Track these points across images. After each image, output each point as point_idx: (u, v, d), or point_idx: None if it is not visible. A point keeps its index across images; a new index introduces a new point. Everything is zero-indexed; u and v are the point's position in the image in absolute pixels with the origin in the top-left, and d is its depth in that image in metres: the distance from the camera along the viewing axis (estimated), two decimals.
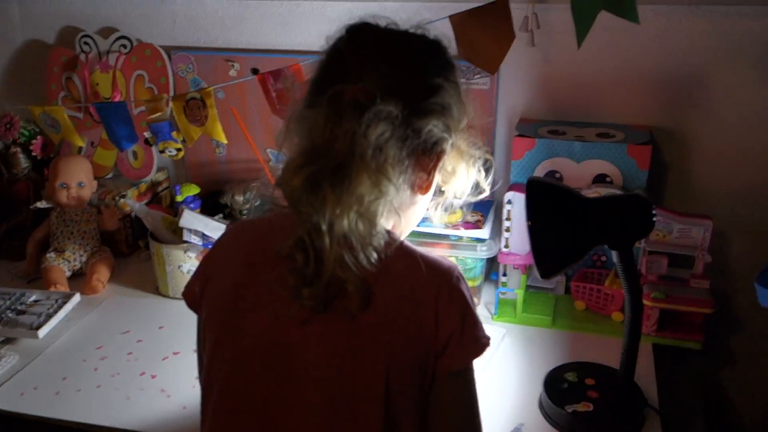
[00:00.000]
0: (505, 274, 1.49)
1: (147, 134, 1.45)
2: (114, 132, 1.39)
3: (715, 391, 1.67)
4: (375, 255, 0.80)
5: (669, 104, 1.52)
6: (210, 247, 1.00)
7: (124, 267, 1.68)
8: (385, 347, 0.82)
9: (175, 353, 1.35)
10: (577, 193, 1.12)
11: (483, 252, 1.46)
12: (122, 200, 1.67)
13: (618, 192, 1.42)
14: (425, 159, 0.88)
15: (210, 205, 1.75)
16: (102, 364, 1.32)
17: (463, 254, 1.46)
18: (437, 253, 1.37)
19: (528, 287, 1.49)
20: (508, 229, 1.48)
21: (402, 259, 0.84)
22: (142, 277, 1.63)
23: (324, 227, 0.77)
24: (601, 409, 1.15)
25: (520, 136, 1.48)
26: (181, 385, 1.25)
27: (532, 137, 1.47)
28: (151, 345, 1.38)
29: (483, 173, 1.01)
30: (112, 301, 1.54)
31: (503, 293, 1.47)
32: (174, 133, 1.41)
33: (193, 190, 1.72)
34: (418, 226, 1.33)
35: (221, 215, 1.75)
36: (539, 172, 1.49)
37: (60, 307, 1.44)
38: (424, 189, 0.93)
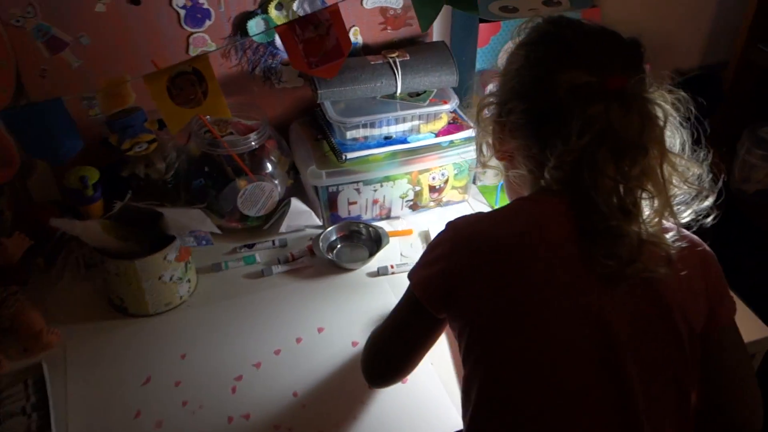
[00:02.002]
0: None
1: (107, 133, 1.01)
2: (44, 141, 0.93)
3: None
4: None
5: None
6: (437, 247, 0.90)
7: (39, 299, 1.26)
8: (683, 312, 0.83)
9: (256, 364, 1.13)
10: None
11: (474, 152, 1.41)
12: None
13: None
14: None
15: (113, 186, 1.36)
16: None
17: (454, 159, 1.40)
18: (432, 164, 1.41)
19: None
20: None
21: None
22: (83, 303, 1.26)
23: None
24: None
25: (483, 21, 1.39)
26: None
27: (496, 21, 1.40)
28: (202, 372, 1.13)
29: None
30: (82, 347, 1.18)
31: None
32: (147, 123, 1.02)
33: (93, 174, 1.31)
34: (406, 142, 1.37)
35: (129, 194, 1.37)
36: (504, 53, 1.44)
37: (39, 395, 1.07)
38: None
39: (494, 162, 1.01)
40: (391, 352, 0.99)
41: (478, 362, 0.84)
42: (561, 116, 0.82)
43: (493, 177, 1.56)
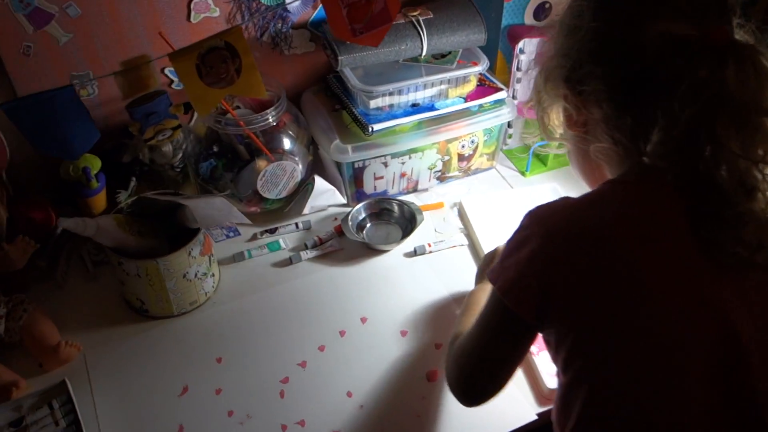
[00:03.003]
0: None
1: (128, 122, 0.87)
2: (54, 134, 0.78)
3: None
4: None
5: None
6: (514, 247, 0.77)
7: (46, 307, 1.13)
8: None
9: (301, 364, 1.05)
10: None
11: (507, 114, 1.32)
12: None
13: None
14: None
15: (114, 174, 1.23)
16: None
17: (486, 125, 1.30)
18: (462, 131, 1.31)
19: None
20: (519, 80, 1.35)
21: None
22: (96, 306, 1.15)
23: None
24: None
25: None
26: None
27: None
28: (243, 376, 1.03)
29: None
30: (104, 358, 1.07)
31: (542, 148, 1.38)
32: (172, 108, 0.88)
33: (95, 163, 1.17)
34: (434, 109, 1.27)
35: (134, 181, 1.25)
36: (532, 5, 1.33)
37: (69, 417, 0.96)
38: None
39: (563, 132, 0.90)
40: (488, 371, 0.85)
41: (582, 373, 0.74)
42: (657, 79, 0.71)
43: (519, 139, 1.47)
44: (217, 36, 0.83)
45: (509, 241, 0.80)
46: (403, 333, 1.10)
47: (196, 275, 1.11)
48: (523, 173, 1.41)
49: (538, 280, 0.74)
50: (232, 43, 0.83)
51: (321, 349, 1.08)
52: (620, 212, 0.74)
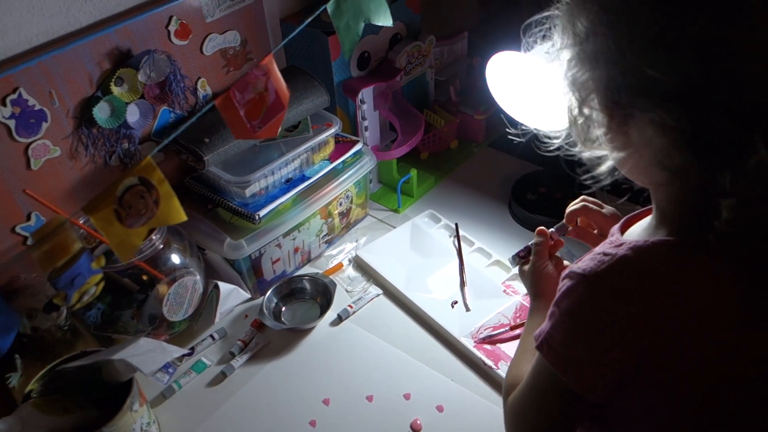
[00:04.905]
0: None
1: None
2: None
3: None
4: None
5: None
6: None
7: None
8: None
9: None
10: None
11: (369, 162, 1.37)
12: None
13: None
14: None
15: None
16: None
17: (355, 177, 1.35)
18: (338, 190, 1.33)
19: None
20: (366, 128, 1.42)
21: None
22: None
23: None
24: None
25: (328, 33, 1.33)
26: None
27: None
28: None
29: None
30: None
31: (407, 182, 1.46)
32: (93, 263, 0.77)
33: None
34: (306, 178, 1.29)
35: (18, 358, 1.10)
36: (354, 59, 1.40)
37: None
38: None
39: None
40: None
41: None
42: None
43: (377, 182, 1.54)
44: (129, 173, 0.77)
45: (575, 315, 0.68)
46: (370, 398, 1.10)
47: (141, 429, 1.01)
48: (396, 210, 1.48)
49: (619, 369, 0.66)
50: (145, 176, 0.78)
51: None
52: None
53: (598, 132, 0.69)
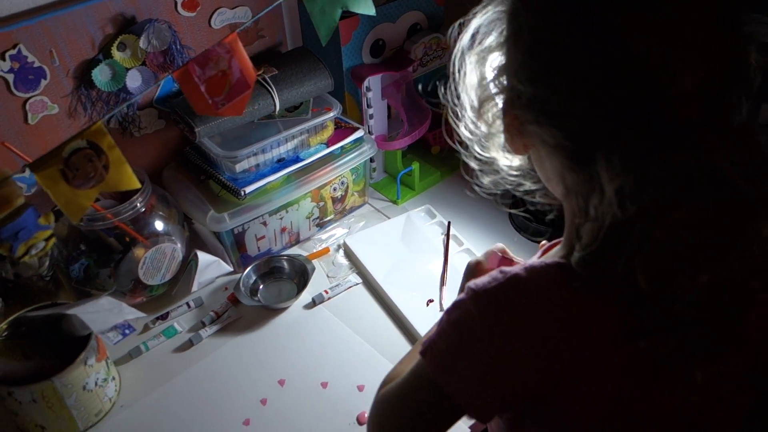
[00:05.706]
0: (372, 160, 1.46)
1: None
2: None
3: None
4: None
5: None
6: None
7: None
8: None
9: None
10: None
11: (368, 150, 1.37)
12: None
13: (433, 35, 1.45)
14: None
15: None
16: None
17: (351, 165, 1.34)
18: (330, 175, 1.32)
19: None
20: (371, 116, 1.41)
21: None
22: None
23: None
24: None
25: (343, 17, 1.33)
26: None
27: (355, 15, 1.34)
28: None
29: None
30: None
31: (409, 174, 1.45)
32: (41, 218, 0.82)
33: None
34: (299, 160, 1.28)
35: (0, 302, 1.16)
36: (367, 45, 1.39)
37: None
38: None
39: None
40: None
41: None
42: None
43: (382, 171, 1.53)
44: (77, 136, 0.80)
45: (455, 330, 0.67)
46: (324, 384, 1.10)
47: (96, 384, 1.04)
48: (395, 202, 1.46)
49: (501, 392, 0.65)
50: (94, 141, 0.81)
51: (246, 423, 1.05)
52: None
53: None
